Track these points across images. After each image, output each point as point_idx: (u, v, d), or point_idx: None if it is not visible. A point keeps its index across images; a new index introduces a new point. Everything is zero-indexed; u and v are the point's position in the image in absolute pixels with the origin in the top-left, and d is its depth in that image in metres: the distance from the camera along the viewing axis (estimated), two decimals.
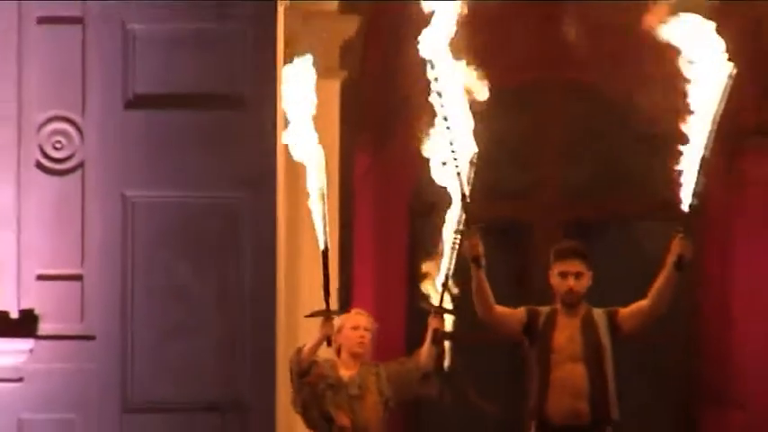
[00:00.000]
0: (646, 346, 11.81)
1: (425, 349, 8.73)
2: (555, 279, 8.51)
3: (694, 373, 14.04)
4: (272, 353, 8.90)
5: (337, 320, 8.69)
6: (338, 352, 8.54)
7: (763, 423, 12.60)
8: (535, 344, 8.63)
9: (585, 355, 8.55)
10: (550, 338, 8.60)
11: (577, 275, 8.40)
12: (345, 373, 8.44)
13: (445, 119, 7.81)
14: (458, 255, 8.70)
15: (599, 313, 8.58)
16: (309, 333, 9.38)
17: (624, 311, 8.66)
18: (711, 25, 7.74)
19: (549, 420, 8.46)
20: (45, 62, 8.61)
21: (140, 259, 8.84)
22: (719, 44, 7.71)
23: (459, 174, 8.07)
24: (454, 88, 7.80)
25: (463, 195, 8.28)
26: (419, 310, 9.37)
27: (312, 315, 8.71)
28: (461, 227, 8.47)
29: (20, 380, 8.76)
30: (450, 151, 7.94)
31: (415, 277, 10.19)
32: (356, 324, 8.70)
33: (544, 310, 8.68)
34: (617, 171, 12.89)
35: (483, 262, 8.52)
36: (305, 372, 8.14)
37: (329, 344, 8.65)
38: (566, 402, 8.45)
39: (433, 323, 8.76)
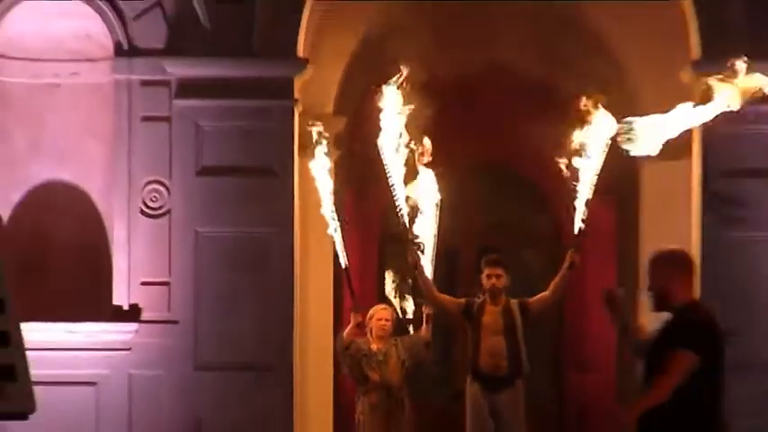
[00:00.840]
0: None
1: (425, 327, 11.98)
2: (484, 279, 11.68)
3: (562, 344, 18.11)
4: (290, 330, 12.70)
5: (370, 311, 12.05)
6: (370, 332, 11.76)
7: (611, 383, 16.49)
8: (471, 323, 11.72)
9: (504, 331, 11.63)
10: (480, 319, 11.69)
11: (497, 276, 11.56)
12: (374, 346, 11.70)
13: (394, 183, 11.35)
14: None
15: (514, 302, 11.73)
16: (316, 318, 13.84)
17: (532, 300, 11.80)
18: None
19: (481, 372, 11.59)
20: (146, 145, 12.40)
21: (206, 272, 12.58)
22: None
23: (402, 215, 11.30)
24: (399, 167, 11.34)
25: (406, 229, 11.44)
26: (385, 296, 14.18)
27: (353, 309, 12.17)
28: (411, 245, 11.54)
29: (129, 349, 12.62)
30: (398, 201, 11.30)
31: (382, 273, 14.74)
32: (381, 317, 11.95)
33: (477, 300, 11.89)
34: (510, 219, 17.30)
35: (421, 268, 11.78)
36: (346, 347, 11.57)
37: (361, 328, 11.94)
38: (491, 361, 11.58)
39: (427, 310, 12.19)
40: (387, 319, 12.17)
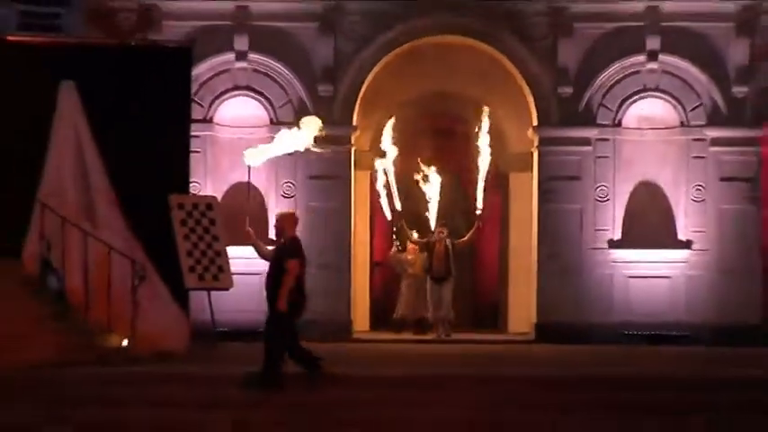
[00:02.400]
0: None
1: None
2: (436, 231, 22.48)
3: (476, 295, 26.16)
4: (349, 246, 22.10)
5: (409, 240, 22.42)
6: (408, 250, 22.79)
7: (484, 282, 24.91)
8: (428, 251, 22.04)
9: (444, 255, 22.14)
10: (434, 249, 22.18)
11: (441, 231, 22.19)
12: (410, 256, 22.88)
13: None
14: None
15: (448, 241, 22.18)
16: (360, 242, 23.31)
17: (457, 241, 22.10)
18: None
19: (433, 273, 22.09)
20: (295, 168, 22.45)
21: (316, 218, 21.37)
22: None
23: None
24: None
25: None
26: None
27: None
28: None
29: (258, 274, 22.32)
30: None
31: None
32: (414, 241, 22.63)
33: (432, 239, 22.34)
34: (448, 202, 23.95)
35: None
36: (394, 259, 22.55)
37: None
38: (438, 267, 21.93)
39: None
40: (414, 251, 23.06)
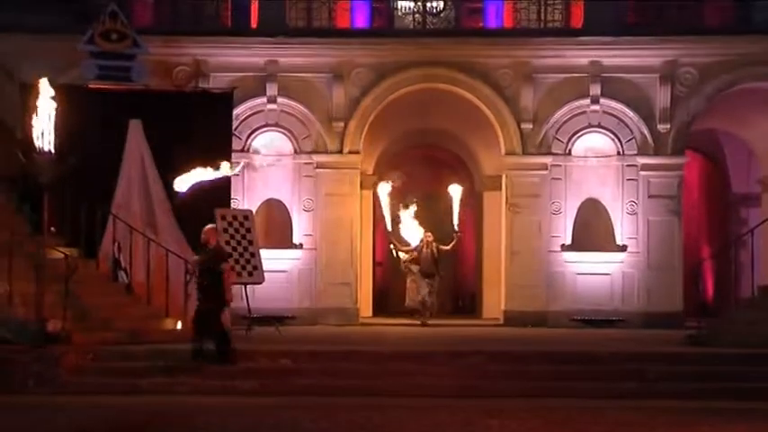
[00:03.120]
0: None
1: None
2: (425, 239, 21.70)
3: (458, 289, 26.43)
4: (354, 250, 22.48)
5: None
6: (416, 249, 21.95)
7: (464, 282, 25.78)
8: (420, 254, 21.41)
9: (432, 258, 21.56)
10: (421, 253, 21.47)
11: (429, 237, 21.45)
12: (415, 254, 21.90)
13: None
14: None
15: (435, 245, 21.51)
16: (365, 248, 23.48)
17: (442, 248, 21.69)
18: None
19: (422, 270, 21.56)
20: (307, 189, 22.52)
21: (331, 228, 22.05)
22: None
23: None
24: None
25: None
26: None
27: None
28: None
29: (298, 258, 22.28)
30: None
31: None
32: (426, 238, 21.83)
33: (421, 245, 21.60)
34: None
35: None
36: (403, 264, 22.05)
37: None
38: (425, 268, 21.42)
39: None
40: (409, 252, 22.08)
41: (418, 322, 21.71)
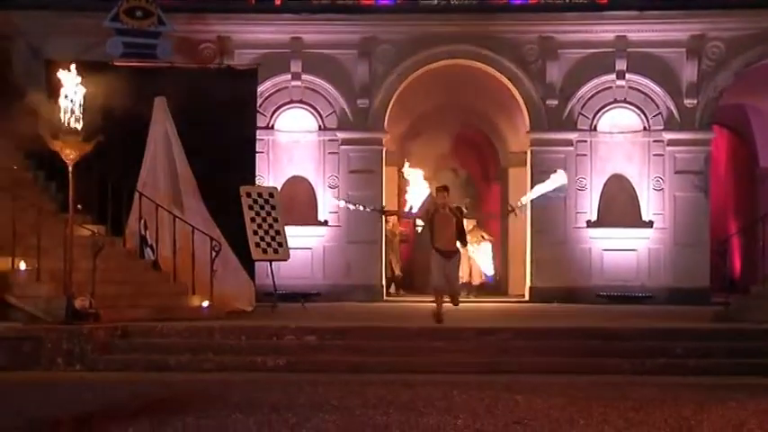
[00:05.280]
0: None
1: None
2: (436, 197, 16.24)
3: None
4: (381, 227, 22.51)
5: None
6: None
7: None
8: (433, 219, 15.89)
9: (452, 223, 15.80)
10: (438, 215, 15.92)
11: (445, 195, 16.05)
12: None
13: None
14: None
15: (453, 207, 16.13)
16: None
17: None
18: None
19: (439, 248, 15.80)
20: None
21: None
22: None
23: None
24: None
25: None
26: None
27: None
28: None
29: (323, 236, 22.24)
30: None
31: None
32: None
33: (432, 206, 16.20)
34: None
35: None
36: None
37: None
38: (443, 241, 15.82)
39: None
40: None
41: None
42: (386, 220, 23.14)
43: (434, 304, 15.66)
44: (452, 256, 15.81)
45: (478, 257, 22.46)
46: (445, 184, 16.87)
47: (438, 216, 15.87)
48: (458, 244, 15.94)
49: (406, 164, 20.19)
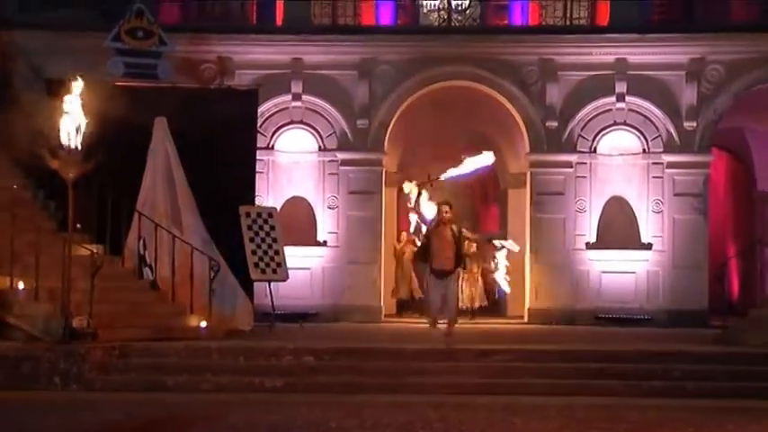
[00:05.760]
0: None
1: None
2: (438, 212, 16.24)
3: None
4: (379, 242, 22.25)
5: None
6: None
7: None
8: (431, 236, 15.89)
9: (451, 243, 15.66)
10: (437, 234, 15.79)
11: (447, 211, 15.97)
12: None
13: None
14: None
15: (456, 227, 15.99)
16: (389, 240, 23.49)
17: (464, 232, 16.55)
18: None
19: (435, 268, 15.87)
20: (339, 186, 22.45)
21: (354, 225, 22.17)
22: None
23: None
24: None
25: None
26: None
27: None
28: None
29: (322, 256, 22.09)
30: None
31: None
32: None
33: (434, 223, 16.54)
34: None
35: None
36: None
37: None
38: (440, 261, 15.76)
39: None
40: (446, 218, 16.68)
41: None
42: (398, 240, 23.10)
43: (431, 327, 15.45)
44: (448, 275, 15.37)
45: (497, 276, 22.29)
46: (448, 200, 16.64)
47: (437, 233, 15.42)
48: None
49: (406, 182, 20.30)
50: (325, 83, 22.50)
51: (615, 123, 22.57)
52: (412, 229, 21.60)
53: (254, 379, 14.18)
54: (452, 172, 18.82)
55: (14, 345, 14.42)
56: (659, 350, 15.57)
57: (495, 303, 24.48)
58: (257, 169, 20.58)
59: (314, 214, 22.57)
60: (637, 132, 22.52)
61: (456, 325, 16.28)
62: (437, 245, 15.32)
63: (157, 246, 17.63)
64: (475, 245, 21.28)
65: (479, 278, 22.87)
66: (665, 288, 22.22)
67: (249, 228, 19.26)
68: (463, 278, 21.23)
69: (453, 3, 23.38)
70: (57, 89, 15.00)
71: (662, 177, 22.38)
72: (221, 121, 19.00)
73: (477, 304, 22.82)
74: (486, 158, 18.72)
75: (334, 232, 22.53)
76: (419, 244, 18.48)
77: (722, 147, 24.87)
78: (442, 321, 15.87)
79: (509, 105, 22.72)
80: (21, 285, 15.38)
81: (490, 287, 23.53)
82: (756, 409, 12.60)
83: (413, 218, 21.28)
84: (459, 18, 23.54)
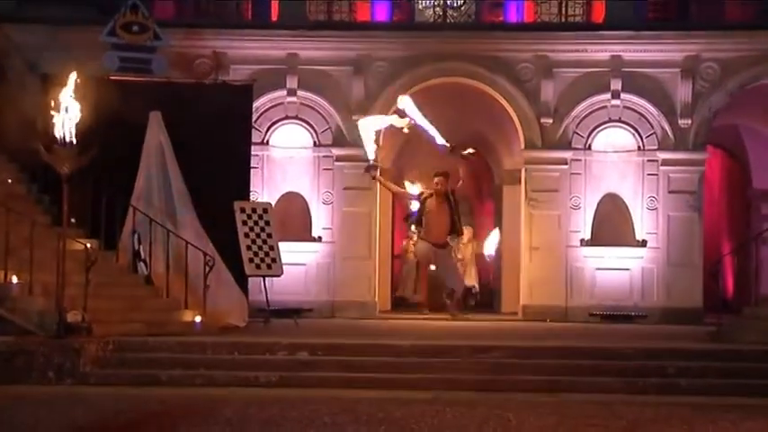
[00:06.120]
0: None
1: None
2: (433, 182, 17.01)
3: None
4: (374, 234, 22.21)
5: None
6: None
7: None
8: (424, 205, 16.68)
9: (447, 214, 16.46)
10: (431, 206, 16.58)
11: (440, 182, 17.09)
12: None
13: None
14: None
15: (452, 198, 16.85)
16: (384, 233, 23.40)
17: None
18: None
19: (431, 241, 16.90)
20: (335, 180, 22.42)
21: (349, 221, 22.03)
22: None
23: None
24: None
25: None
26: None
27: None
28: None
29: (317, 251, 22.07)
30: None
31: None
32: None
33: (428, 191, 17.29)
34: None
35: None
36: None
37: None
38: (436, 233, 16.71)
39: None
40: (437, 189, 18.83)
41: (448, 316, 20.79)
42: (409, 237, 22.78)
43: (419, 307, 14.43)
44: (444, 247, 14.63)
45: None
46: (446, 170, 15.95)
47: (430, 202, 14.79)
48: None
49: (406, 182, 20.14)
50: (321, 78, 22.43)
51: (610, 120, 22.54)
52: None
53: (248, 374, 14.15)
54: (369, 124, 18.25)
55: (8, 339, 14.32)
56: (654, 347, 15.55)
57: (489, 297, 24.51)
58: (252, 164, 20.48)
59: (309, 210, 22.52)
60: (632, 129, 22.51)
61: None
62: (432, 218, 14.89)
63: (152, 240, 17.61)
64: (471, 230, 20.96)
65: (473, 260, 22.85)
66: (659, 285, 22.20)
67: (244, 223, 19.21)
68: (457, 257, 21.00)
69: None
70: (51, 84, 14.96)
71: (657, 175, 22.36)
72: (216, 116, 18.97)
73: (471, 284, 22.71)
74: (399, 122, 18.30)
75: (328, 228, 22.47)
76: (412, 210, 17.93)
77: (717, 144, 24.87)
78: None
79: (504, 102, 22.68)
80: (15, 279, 15.31)
81: (484, 273, 23.40)
82: (751, 406, 12.57)
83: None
84: (455, 15, 23.58)
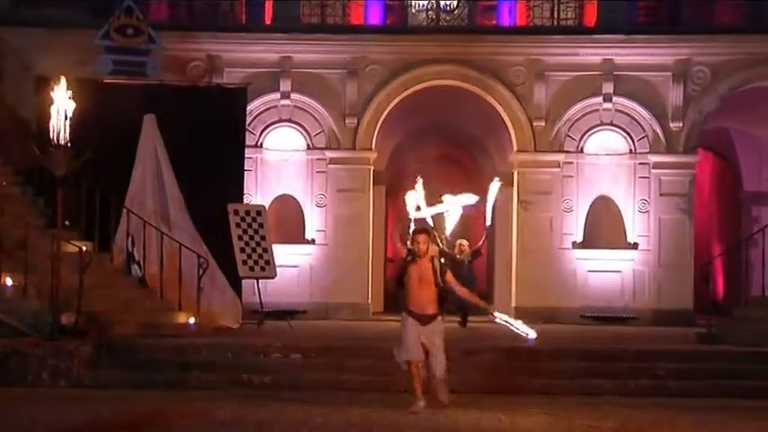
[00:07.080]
0: None
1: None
2: (414, 244, 11.80)
3: None
4: (368, 243, 22.34)
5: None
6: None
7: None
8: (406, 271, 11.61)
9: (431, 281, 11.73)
10: (413, 271, 11.72)
11: (425, 241, 11.82)
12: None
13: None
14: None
15: (437, 262, 11.92)
16: (377, 244, 23.26)
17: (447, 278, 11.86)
18: None
19: (413, 312, 11.92)
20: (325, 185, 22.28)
21: (343, 226, 22.20)
22: None
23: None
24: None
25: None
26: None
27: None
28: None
29: (309, 254, 22.06)
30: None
31: None
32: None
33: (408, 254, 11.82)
34: None
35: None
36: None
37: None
38: (420, 303, 11.85)
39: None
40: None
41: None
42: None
43: (414, 384, 11.88)
44: (431, 321, 12.07)
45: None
46: (424, 227, 14.39)
47: (413, 268, 12.05)
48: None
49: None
50: (314, 81, 22.49)
51: (602, 123, 22.65)
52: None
53: (242, 376, 14.12)
54: (431, 210, 18.21)
55: (2, 341, 14.27)
56: (645, 349, 15.54)
57: (481, 298, 24.29)
58: (246, 167, 20.52)
59: (302, 212, 22.60)
60: (623, 133, 22.59)
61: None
62: (415, 284, 12.06)
63: (146, 242, 17.60)
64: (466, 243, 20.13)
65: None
66: (650, 287, 22.30)
67: (237, 225, 19.23)
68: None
69: (442, 3, 23.52)
70: (46, 86, 14.96)
71: (648, 177, 22.45)
72: (210, 119, 19.01)
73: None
74: (468, 198, 18.27)
75: (322, 230, 22.56)
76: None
77: (708, 147, 24.98)
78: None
79: (497, 105, 22.76)
80: (9, 281, 15.32)
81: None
82: (741, 407, 12.60)
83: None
84: (448, 18, 23.66)
